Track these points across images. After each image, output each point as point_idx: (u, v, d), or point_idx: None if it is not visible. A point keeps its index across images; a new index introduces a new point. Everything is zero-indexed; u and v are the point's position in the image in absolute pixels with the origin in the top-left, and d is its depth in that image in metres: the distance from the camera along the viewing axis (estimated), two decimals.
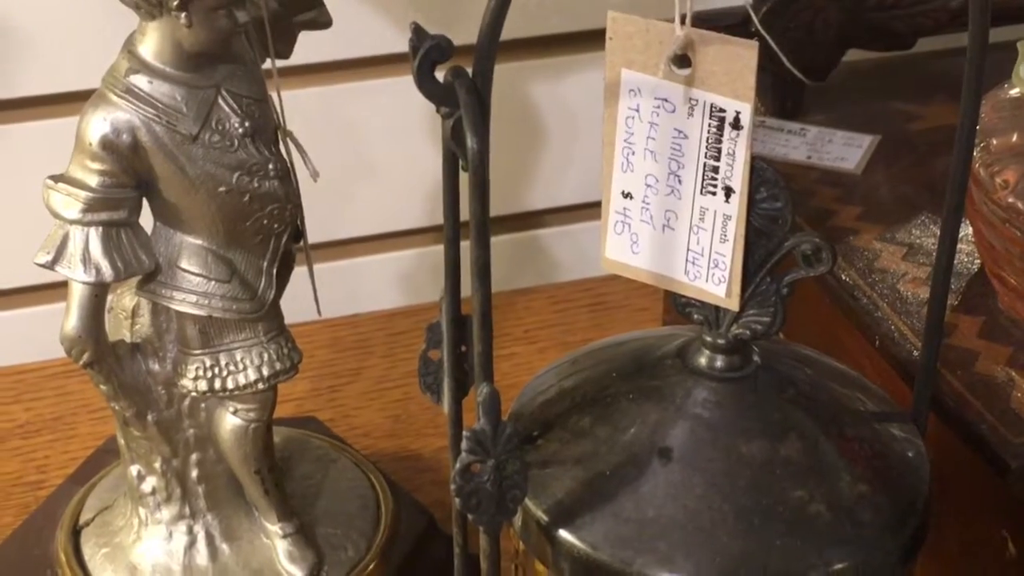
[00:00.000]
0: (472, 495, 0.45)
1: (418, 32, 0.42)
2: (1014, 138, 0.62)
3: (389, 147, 0.98)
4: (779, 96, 0.85)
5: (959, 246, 0.62)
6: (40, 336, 0.87)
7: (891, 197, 0.78)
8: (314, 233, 0.69)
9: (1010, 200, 0.61)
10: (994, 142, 0.62)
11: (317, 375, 0.92)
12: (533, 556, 0.52)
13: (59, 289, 0.87)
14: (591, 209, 1.01)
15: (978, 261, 0.70)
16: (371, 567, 0.69)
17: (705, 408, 0.50)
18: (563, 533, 0.48)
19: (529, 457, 0.50)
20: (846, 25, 0.82)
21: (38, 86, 0.91)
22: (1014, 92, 0.66)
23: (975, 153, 0.62)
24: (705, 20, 0.83)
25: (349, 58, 0.94)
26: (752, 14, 0.78)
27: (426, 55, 0.42)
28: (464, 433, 0.45)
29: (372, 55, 0.95)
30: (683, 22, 0.43)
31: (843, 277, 0.73)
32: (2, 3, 0.89)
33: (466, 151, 0.42)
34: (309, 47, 0.68)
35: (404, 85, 0.76)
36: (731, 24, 0.79)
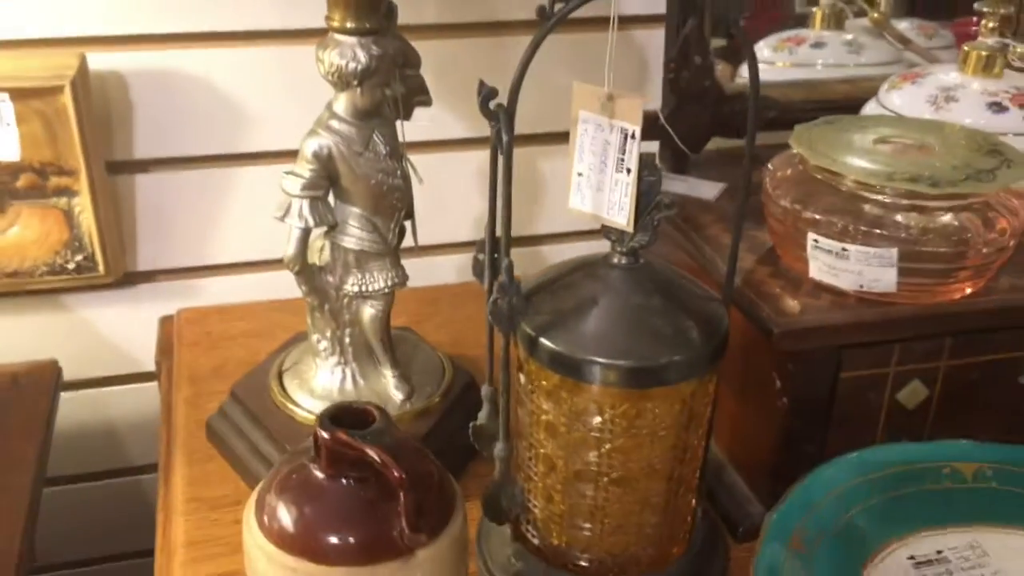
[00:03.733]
0: (497, 315, 0.55)
1: (481, 83, 0.52)
2: (788, 172, 0.69)
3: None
4: (673, 160, 0.87)
5: (765, 234, 0.72)
6: (255, 288, 0.99)
7: (728, 211, 0.80)
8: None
9: (782, 203, 0.67)
10: (777, 175, 0.70)
11: (415, 309, 0.94)
12: (527, 354, 0.58)
13: (269, 265, 1.00)
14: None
15: (770, 241, 0.73)
16: (436, 399, 0.76)
17: (615, 282, 0.57)
18: (542, 340, 0.56)
19: (525, 301, 0.56)
20: (711, 124, 0.85)
21: (259, 144, 0.95)
22: (794, 150, 0.69)
23: (767, 180, 0.70)
24: None
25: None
26: (660, 115, 0.84)
27: (484, 96, 0.52)
28: (496, 284, 0.55)
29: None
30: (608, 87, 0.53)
31: (699, 241, 0.76)
32: (242, 91, 0.92)
33: (502, 144, 0.52)
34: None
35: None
36: (645, 121, 0.87)
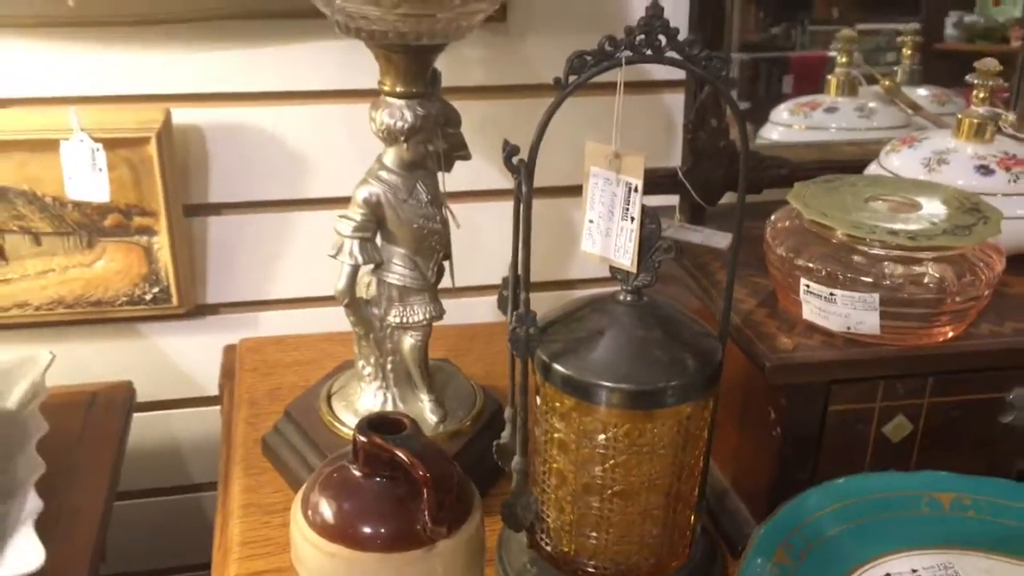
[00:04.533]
0: (516, 342, 0.62)
1: (505, 142, 0.60)
2: (786, 224, 0.76)
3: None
4: (690, 212, 0.93)
5: (765, 280, 0.78)
6: (309, 322, 1.08)
7: (739, 261, 0.76)
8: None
9: (778, 251, 0.74)
10: (777, 226, 0.76)
11: (453, 344, 1.02)
12: (543, 378, 0.64)
13: (321, 301, 1.09)
14: None
15: (771, 285, 0.79)
16: (467, 423, 0.82)
17: (621, 316, 0.64)
18: (555, 365, 0.62)
19: (540, 333, 0.64)
20: (725, 180, 0.91)
21: (317, 192, 1.04)
22: (792, 204, 0.75)
23: (768, 230, 0.77)
24: (648, 172, 0.94)
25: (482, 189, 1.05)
26: (679, 171, 0.91)
27: (508, 152, 0.60)
28: (514, 315, 0.63)
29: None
30: (616, 147, 0.61)
31: (707, 285, 0.82)
32: (304, 143, 1.01)
33: (521, 194, 0.60)
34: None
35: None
36: (664, 176, 0.91)
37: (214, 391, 1.09)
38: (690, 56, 0.60)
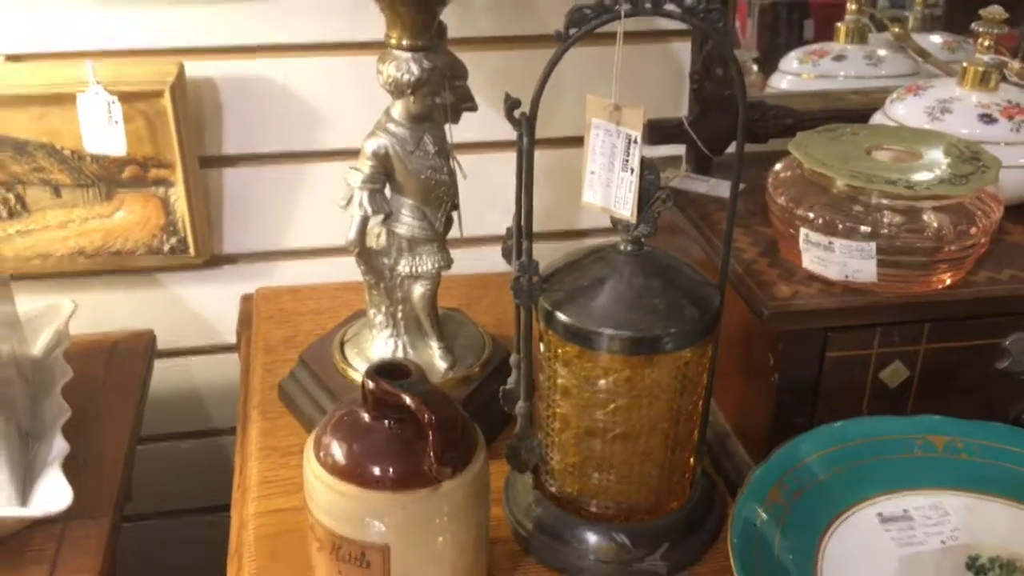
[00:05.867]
0: (519, 290, 0.65)
1: (507, 96, 0.61)
2: (788, 174, 0.77)
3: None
4: (697, 162, 0.95)
5: (769, 229, 0.80)
6: (323, 271, 1.09)
7: (741, 210, 0.84)
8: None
9: (779, 201, 0.76)
10: (779, 176, 0.78)
11: (464, 293, 1.04)
12: (545, 326, 0.66)
13: (335, 252, 1.11)
14: None
15: (773, 234, 0.80)
16: (476, 370, 0.84)
17: (621, 266, 0.66)
18: (557, 313, 0.65)
19: (543, 282, 0.66)
20: (731, 128, 0.92)
21: (329, 143, 1.05)
22: (793, 155, 0.77)
23: (770, 180, 0.79)
24: (655, 123, 0.92)
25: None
26: (684, 121, 0.93)
27: (509, 106, 0.61)
28: (516, 263, 0.65)
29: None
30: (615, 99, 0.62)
31: (710, 235, 0.84)
32: (315, 95, 1.02)
33: (523, 144, 0.62)
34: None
35: None
36: (671, 126, 0.93)
37: (232, 339, 1.11)
38: (688, 8, 0.61)
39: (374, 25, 0.98)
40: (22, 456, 0.78)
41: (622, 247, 0.68)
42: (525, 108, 0.62)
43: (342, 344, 0.88)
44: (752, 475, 0.68)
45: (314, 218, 1.10)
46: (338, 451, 0.61)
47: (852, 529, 0.68)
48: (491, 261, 1.10)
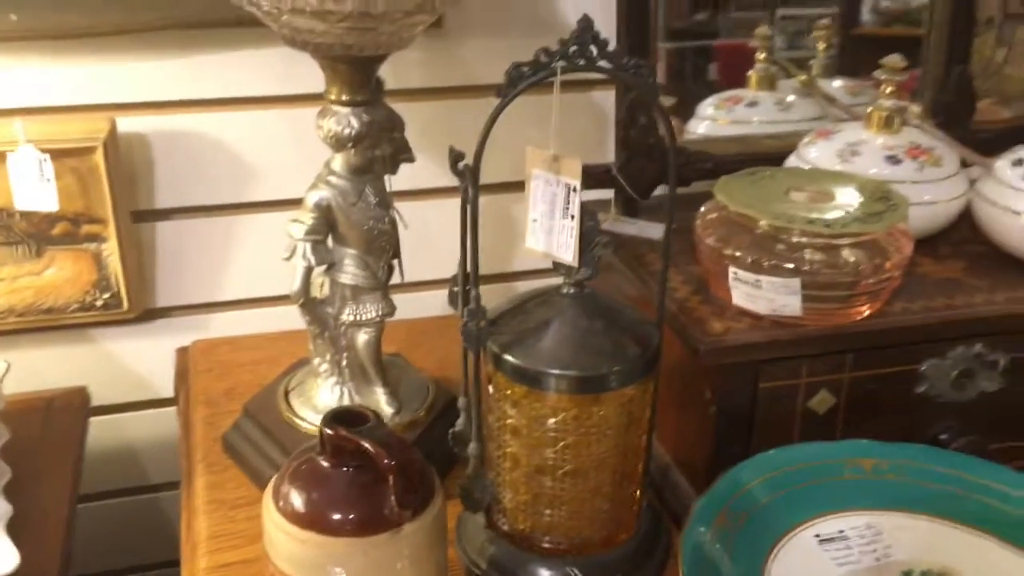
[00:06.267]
0: (468, 335, 0.66)
1: (451, 148, 0.64)
2: (714, 215, 0.81)
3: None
4: (625, 206, 0.98)
5: (695, 267, 0.84)
6: (259, 322, 1.10)
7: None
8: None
9: (708, 242, 0.79)
10: (706, 217, 0.82)
11: (404, 338, 1.02)
12: (494, 368, 0.68)
13: (271, 301, 1.12)
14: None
15: (702, 272, 0.84)
16: (421, 414, 0.86)
17: (565, 308, 0.68)
18: (506, 356, 0.67)
19: (490, 326, 0.68)
20: (656, 173, 0.97)
21: (262, 195, 1.06)
22: (718, 198, 0.81)
23: (697, 222, 0.82)
24: (585, 169, 0.97)
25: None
26: (612, 167, 0.96)
27: (453, 158, 0.64)
28: (466, 310, 0.67)
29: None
30: (554, 150, 0.65)
31: (643, 275, 0.87)
32: (248, 148, 1.04)
33: (468, 195, 0.64)
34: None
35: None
36: (600, 171, 0.96)
37: (167, 393, 1.11)
38: (620, 65, 0.64)
39: (306, 78, 1.02)
40: None
41: (564, 290, 0.70)
42: (468, 160, 0.65)
43: (287, 393, 0.89)
44: (698, 503, 0.71)
45: (247, 269, 1.11)
46: (298, 499, 0.62)
47: (793, 551, 0.71)
48: (428, 304, 1.14)
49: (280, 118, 1.05)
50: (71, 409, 1.00)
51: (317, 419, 0.84)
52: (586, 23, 0.63)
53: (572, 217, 0.67)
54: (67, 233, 1.01)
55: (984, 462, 0.77)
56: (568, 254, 0.68)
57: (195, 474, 0.88)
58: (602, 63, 0.64)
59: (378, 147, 0.80)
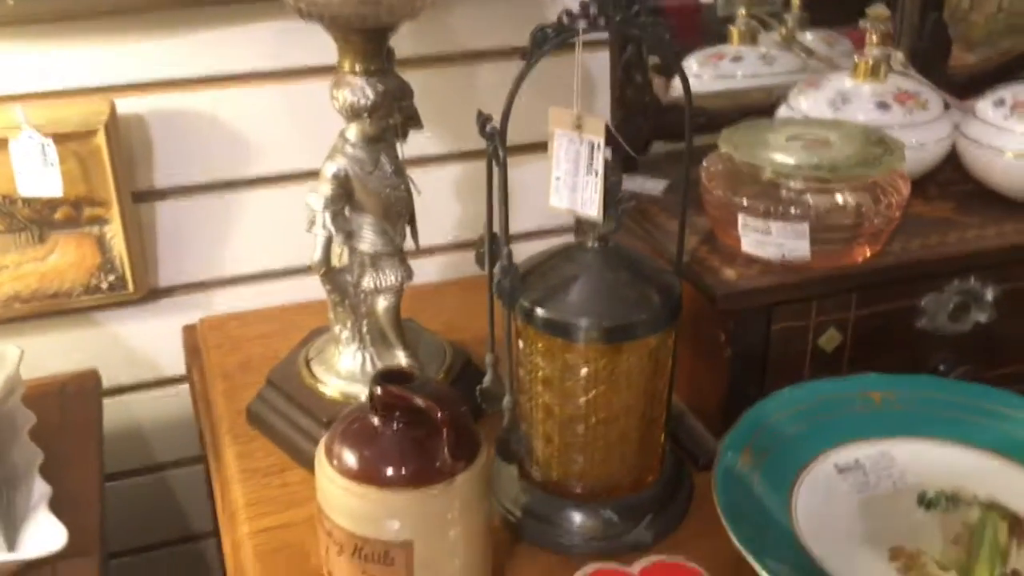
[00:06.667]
0: (502, 292, 0.69)
1: (479, 112, 0.66)
2: (719, 167, 0.85)
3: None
4: (622, 163, 0.98)
5: (702, 219, 0.87)
6: (263, 296, 1.11)
7: (672, 202, 0.95)
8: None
9: (716, 192, 0.83)
10: (711, 170, 0.85)
11: (408, 305, 0.98)
12: (525, 322, 0.71)
13: (275, 275, 1.14)
14: None
15: (708, 224, 0.88)
16: (441, 375, 0.88)
17: (591, 262, 0.71)
18: (537, 310, 0.70)
19: (521, 281, 0.70)
20: (653, 131, 1.01)
21: (260, 171, 1.06)
22: (722, 150, 0.86)
23: (703, 175, 0.86)
24: None
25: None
26: (609, 125, 1.03)
27: (482, 122, 0.67)
28: (498, 265, 0.69)
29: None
30: (577, 109, 0.68)
31: (650, 228, 0.90)
32: (244, 124, 1.04)
33: (498, 158, 0.68)
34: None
35: None
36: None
37: (174, 372, 1.12)
38: (639, 25, 0.67)
39: (300, 52, 1.03)
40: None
41: (589, 244, 0.73)
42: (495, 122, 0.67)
43: (307, 362, 0.91)
44: (726, 437, 0.74)
45: (248, 245, 1.11)
46: (353, 457, 0.64)
47: (815, 481, 0.75)
48: (424, 271, 1.13)
49: (274, 93, 1.05)
50: (85, 392, 1.01)
51: (340, 384, 0.87)
52: None
53: (596, 173, 0.70)
54: (69, 217, 1.01)
55: (985, 387, 0.81)
56: (593, 209, 0.70)
57: (222, 446, 0.89)
58: (620, 24, 0.66)
59: (391, 116, 0.81)
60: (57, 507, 0.81)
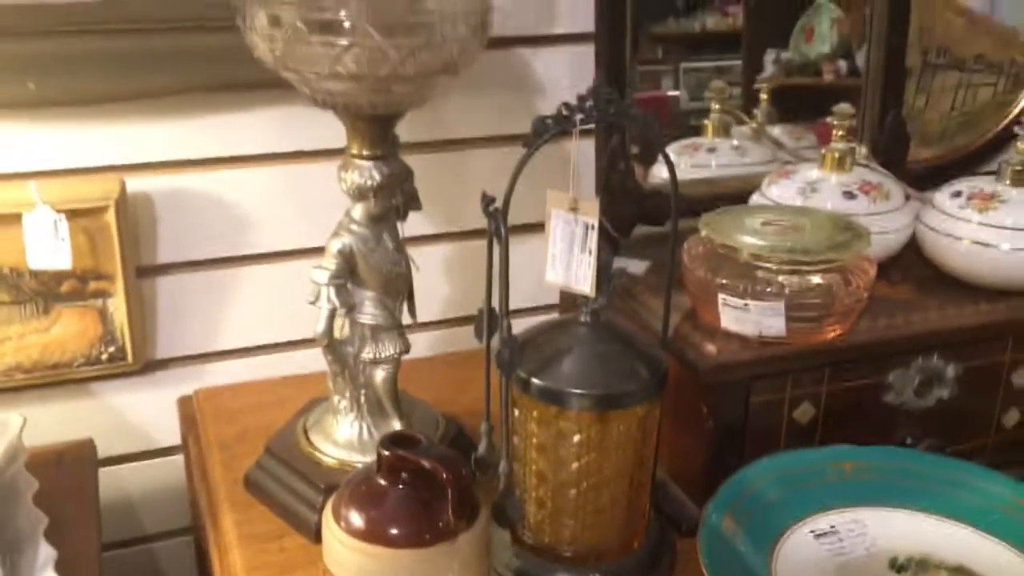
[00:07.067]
0: (502, 362, 0.72)
1: (484, 194, 0.70)
2: (700, 249, 0.90)
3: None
4: (609, 246, 0.98)
5: (683, 298, 0.91)
6: (257, 369, 1.15)
7: (654, 282, 0.98)
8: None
9: (697, 273, 0.88)
10: (692, 252, 0.90)
11: (410, 372, 0.98)
12: (521, 391, 0.74)
13: (269, 348, 1.17)
14: None
15: (689, 302, 0.91)
16: (436, 443, 0.89)
17: (584, 335, 0.75)
18: (534, 379, 0.74)
19: (517, 352, 0.73)
20: (636, 215, 1.07)
21: (258, 248, 1.11)
22: (702, 233, 0.91)
23: (685, 256, 0.90)
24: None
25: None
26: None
27: (486, 202, 0.71)
28: (497, 336, 0.73)
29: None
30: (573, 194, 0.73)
31: (635, 306, 0.95)
32: (244, 203, 1.08)
33: (500, 236, 0.72)
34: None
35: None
36: None
37: (168, 443, 1.14)
38: (630, 116, 0.73)
39: (299, 137, 1.09)
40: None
41: (582, 318, 0.78)
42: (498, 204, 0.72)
43: (305, 431, 0.94)
44: (710, 503, 0.78)
45: (243, 320, 1.15)
46: (361, 517, 0.68)
47: (794, 546, 0.79)
48: (416, 346, 1.18)
49: (275, 174, 1.10)
50: (82, 460, 1.03)
51: (338, 452, 0.91)
52: (601, 80, 0.71)
53: (590, 252, 0.75)
54: (74, 290, 1.04)
55: (949, 458, 0.86)
56: (587, 285, 0.75)
57: (220, 513, 0.92)
58: (614, 116, 0.73)
59: (394, 196, 0.86)
60: (60, 572, 0.83)
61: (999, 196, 0.96)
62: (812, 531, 0.81)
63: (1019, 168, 0.97)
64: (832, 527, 0.82)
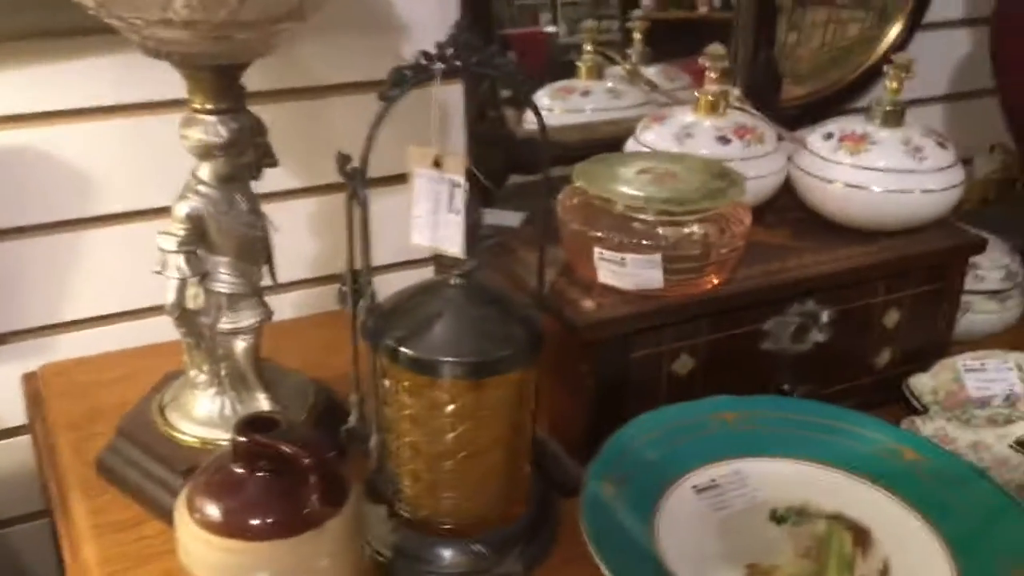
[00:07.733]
0: (367, 331, 0.69)
1: (339, 153, 0.66)
2: (574, 201, 0.86)
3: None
4: (480, 196, 0.87)
5: (560, 251, 0.87)
6: (108, 340, 1.06)
7: (530, 234, 0.93)
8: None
9: (572, 226, 0.84)
10: (566, 203, 0.86)
11: (276, 337, 0.95)
12: (390, 361, 0.70)
13: (119, 317, 1.09)
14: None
15: (565, 256, 0.88)
16: (304, 415, 0.87)
17: (455, 299, 0.71)
18: (402, 348, 0.69)
19: (385, 319, 0.70)
20: (508, 164, 1.02)
21: (101, 209, 1.02)
22: (576, 184, 0.86)
23: (559, 208, 0.86)
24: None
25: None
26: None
27: (342, 160, 0.66)
28: (362, 304, 0.69)
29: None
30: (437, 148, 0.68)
31: (510, 262, 0.91)
32: (82, 161, 1.00)
33: (358, 196, 0.67)
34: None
35: None
36: None
37: (13, 423, 1.06)
38: (494, 66, 0.68)
39: (143, 87, 0.99)
40: None
41: (452, 281, 0.73)
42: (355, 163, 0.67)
43: (162, 409, 0.87)
44: (591, 465, 0.76)
45: (92, 287, 1.06)
46: (218, 509, 0.62)
47: (676, 503, 0.77)
48: (281, 308, 1.11)
49: (114, 128, 1.01)
50: None
51: (198, 431, 0.85)
52: (461, 26, 0.66)
53: (457, 212, 0.70)
54: None
55: (827, 405, 0.86)
56: (456, 247, 0.71)
57: (71, 501, 0.85)
58: (476, 65, 0.67)
59: (245, 154, 0.79)
60: None
61: (870, 137, 0.95)
62: (694, 486, 0.80)
63: (889, 109, 0.96)
64: (713, 481, 0.81)
